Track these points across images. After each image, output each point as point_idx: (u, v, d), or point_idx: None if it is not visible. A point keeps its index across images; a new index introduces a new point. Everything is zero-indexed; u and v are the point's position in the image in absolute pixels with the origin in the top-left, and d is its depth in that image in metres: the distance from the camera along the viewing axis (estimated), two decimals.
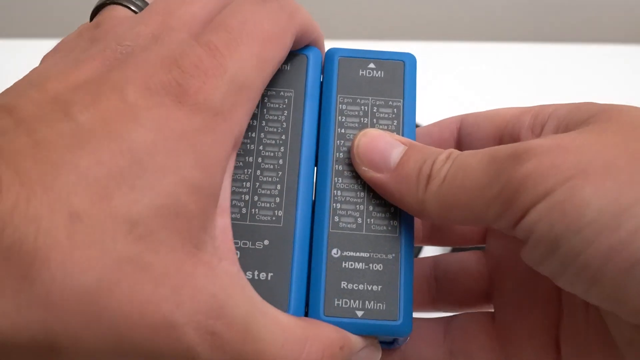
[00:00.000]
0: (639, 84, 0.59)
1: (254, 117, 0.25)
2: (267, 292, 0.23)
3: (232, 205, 0.24)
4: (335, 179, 0.25)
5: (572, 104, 0.24)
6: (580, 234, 0.19)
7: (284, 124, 0.26)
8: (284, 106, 0.26)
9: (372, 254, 0.24)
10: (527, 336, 0.25)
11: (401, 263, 0.24)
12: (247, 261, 0.24)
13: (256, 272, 0.24)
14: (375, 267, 0.24)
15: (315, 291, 0.24)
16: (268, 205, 0.25)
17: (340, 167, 0.25)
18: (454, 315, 0.27)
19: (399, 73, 0.27)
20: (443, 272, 0.29)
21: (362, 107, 0.26)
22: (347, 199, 0.25)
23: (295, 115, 0.26)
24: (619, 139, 0.20)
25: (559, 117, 0.24)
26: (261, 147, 0.25)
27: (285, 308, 0.23)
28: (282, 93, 0.26)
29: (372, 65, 0.27)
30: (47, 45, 0.30)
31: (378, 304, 0.24)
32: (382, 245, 0.24)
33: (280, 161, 0.25)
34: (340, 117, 0.26)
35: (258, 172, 0.25)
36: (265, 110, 0.26)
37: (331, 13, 0.67)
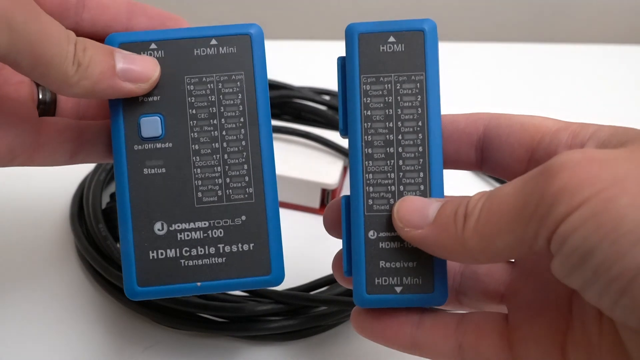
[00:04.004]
0: (639, 84, 0.59)
1: (211, 104, 0.27)
2: (251, 260, 0.27)
3: (209, 190, 0.27)
4: (366, 162, 0.26)
5: (615, 126, 0.24)
6: (615, 245, 0.19)
7: (240, 106, 0.27)
8: (237, 89, 0.28)
9: None
10: (534, 340, 0.25)
11: None
12: (231, 236, 0.27)
13: (239, 244, 0.27)
14: (410, 245, 0.26)
15: (357, 273, 0.26)
16: (239, 185, 0.27)
17: (370, 150, 0.26)
18: (468, 312, 0.28)
19: (420, 43, 0.27)
20: (471, 270, 0.29)
21: (386, 85, 0.26)
22: (379, 181, 0.26)
23: (249, 97, 0.27)
24: None
25: (600, 138, 0.24)
26: (224, 133, 0.27)
27: (267, 271, 0.27)
28: (233, 77, 0.28)
29: (392, 39, 0.27)
30: None
31: (414, 279, 0.26)
32: None
33: (243, 143, 0.27)
34: (365, 99, 0.26)
35: (226, 156, 0.27)
36: (221, 96, 0.28)
37: (327, 12, 0.67)
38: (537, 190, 0.21)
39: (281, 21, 0.67)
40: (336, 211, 0.29)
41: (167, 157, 0.27)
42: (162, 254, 0.27)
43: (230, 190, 0.27)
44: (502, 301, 0.28)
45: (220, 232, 0.27)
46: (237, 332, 0.36)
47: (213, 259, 0.27)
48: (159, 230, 0.27)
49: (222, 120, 0.27)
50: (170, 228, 0.27)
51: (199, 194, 0.27)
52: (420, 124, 0.26)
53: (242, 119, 0.27)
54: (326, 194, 0.44)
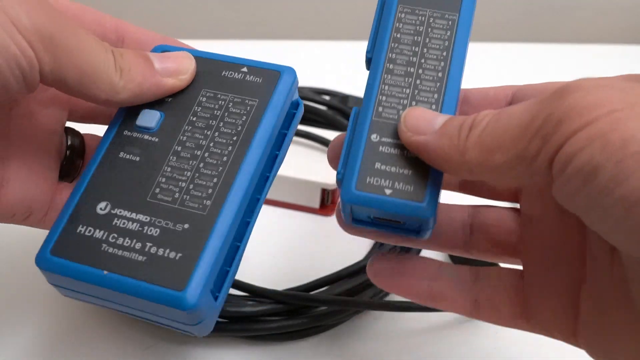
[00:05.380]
0: None
1: (213, 117, 0.28)
2: (171, 270, 0.25)
3: (168, 189, 0.27)
4: (385, 75, 0.27)
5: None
6: (621, 165, 0.18)
7: (239, 127, 0.28)
8: (244, 112, 0.28)
9: None
10: (549, 295, 0.25)
11: None
12: (164, 239, 0.26)
13: (167, 250, 0.26)
14: (410, 154, 0.26)
15: (350, 169, 0.26)
16: (199, 194, 0.27)
17: (391, 66, 0.27)
18: (485, 268, 0.28)
19: None
20: (479, 221, 0.29)
21: (420, 17, 0.28)
22: (393, 93, 0.27)
23: (252, 122, 0.28)
24: None
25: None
26: (212, 144, 0.27)
27: (180, 287, 0.24)
28: (246, 101, 0.28)
29: None
30: None
31: (406, 186, 0.25)
32: None
33: (225, 158, 0.27)
34: (398, 24, 0.28)
35: (201, 165, 0.27)
36: (226, 113, 0.28)
37: (328, 12, 0.67)
38: (546, 108, 0.21)
39: (281, 21, 0.67)
40: (342, 143, 0.28)
41: (147, 149, 0.28)
42: (90, 231, 0.26)
43: (188, 197, 0.27)
44: (515, 254, 0.28)
45: (156, 232, 0.26)
46: (237, 332, 0.36)
47: (134, 254, 0.26)
48: (100, 209, 0.27)
49: (216, 133, 0.28)
50: (112, 211, 0.27)
51: (157, 190, 0.27)
52: (444, 54, 0.27)
53: (234, 138, 0.28)
54: (326, 194, 0.44)
